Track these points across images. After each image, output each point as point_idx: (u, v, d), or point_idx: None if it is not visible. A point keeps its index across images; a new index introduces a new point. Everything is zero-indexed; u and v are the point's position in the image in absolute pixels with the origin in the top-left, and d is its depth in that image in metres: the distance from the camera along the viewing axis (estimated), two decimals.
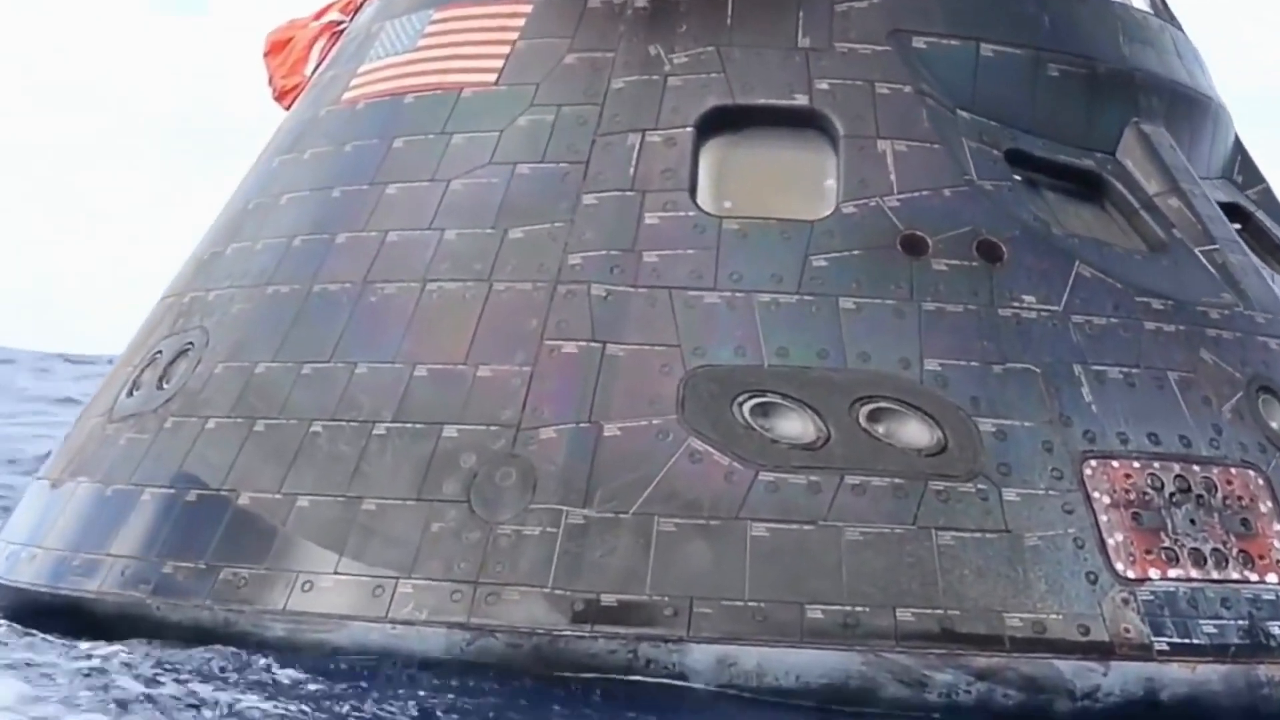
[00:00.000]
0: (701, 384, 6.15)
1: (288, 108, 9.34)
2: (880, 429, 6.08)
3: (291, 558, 6.12)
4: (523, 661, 5.71)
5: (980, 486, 5.97)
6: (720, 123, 6.84)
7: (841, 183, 6.66)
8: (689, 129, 6.77)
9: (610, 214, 6.61)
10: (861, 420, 6.08)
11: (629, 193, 6.65)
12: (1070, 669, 5.71)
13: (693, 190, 6.65)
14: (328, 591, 5.98)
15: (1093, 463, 6.13)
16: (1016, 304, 6.46)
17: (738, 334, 6.26)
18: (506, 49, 7.21)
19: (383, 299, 6.69)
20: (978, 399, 6.17)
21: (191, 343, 7.25)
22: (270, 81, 9.66)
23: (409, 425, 6.26)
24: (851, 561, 5.78)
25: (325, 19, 9.11)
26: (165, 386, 7.20)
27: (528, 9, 7.29)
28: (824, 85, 6.84)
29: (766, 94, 6.85)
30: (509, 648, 5.72)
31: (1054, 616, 5.77)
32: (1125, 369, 6.43)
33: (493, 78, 7.18)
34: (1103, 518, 6.01)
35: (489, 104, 7.12)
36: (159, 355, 7.46)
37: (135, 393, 7.41)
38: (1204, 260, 7.05)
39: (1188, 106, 7.81)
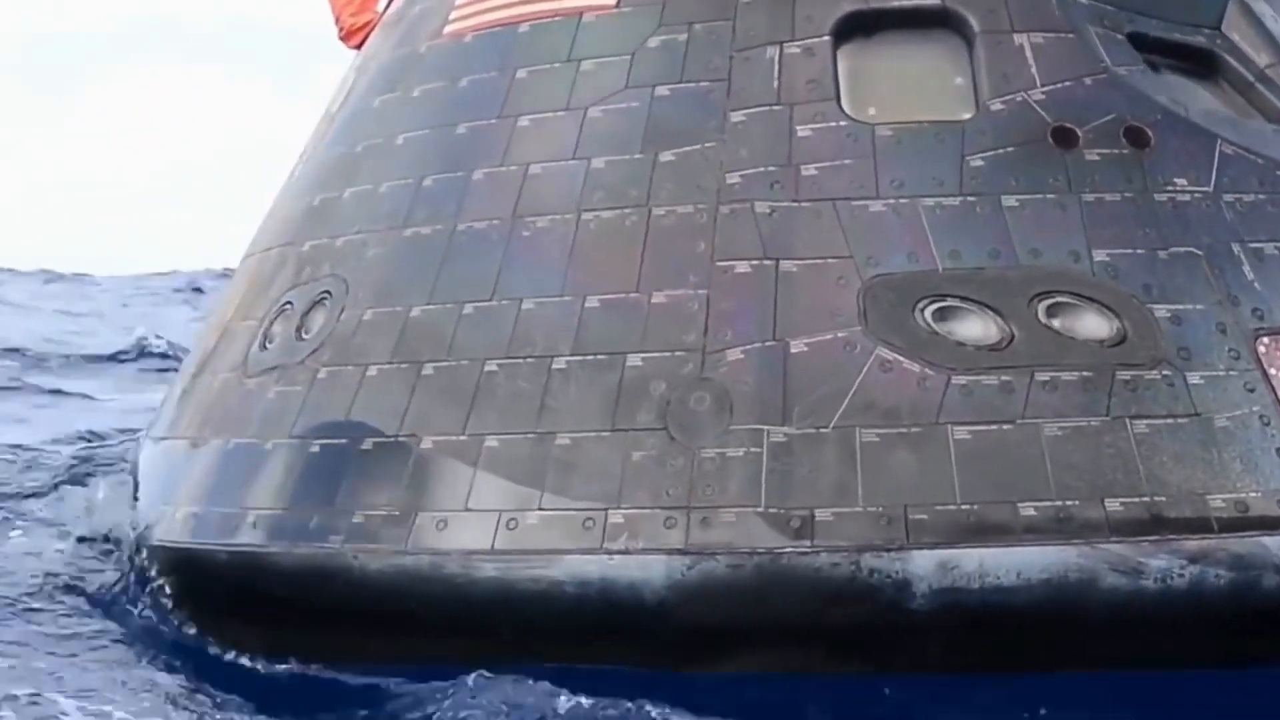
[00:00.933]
0: (880, 293, 6.14)
1: (356, 47, 9.19)
2: (1057, 323, 6.10)
3: (489, 497, 6.09)
4: (746, 582, 5.74)
5: (1165, 373, 6.00)
6: (854, 29, 6.79)
7: (985, 80, 6.62)
8: (826, 37, 6.73)
9: (761, 130, 6.56)
10: (1041, 316, 6.10)
11: (776, 107, 6.60)
12: (1277, 544, 5.76)
13: (838, 100, 6.61)
14: (534, 528, 5.96)
15: (1265, 339, 6.14)
16: (1170, 188, 6.45)
17: (908, 240, 6.25)
18: None
19: (537, 233, 6.63)
20: (1149, 286, 6.19)
21: (328, 291, 7.16)
22: (337, 20, 9.47)
23: (590, 357, 6.23)
24: (1055, 456, 5.80)
25: None
26: (306, 337, 7.12)
27: None
28: None
29: None
30: (731, 569, 5.74)
31: (1254, 495, 5.81)
32: (1279, 244, 6.45)
33: (613, 0, 7.09)
34: None
35: (614, 27, 7.03)
36: (289, 306, 7.37)
37: (269, 345, 7.32)
38: None
39: None
